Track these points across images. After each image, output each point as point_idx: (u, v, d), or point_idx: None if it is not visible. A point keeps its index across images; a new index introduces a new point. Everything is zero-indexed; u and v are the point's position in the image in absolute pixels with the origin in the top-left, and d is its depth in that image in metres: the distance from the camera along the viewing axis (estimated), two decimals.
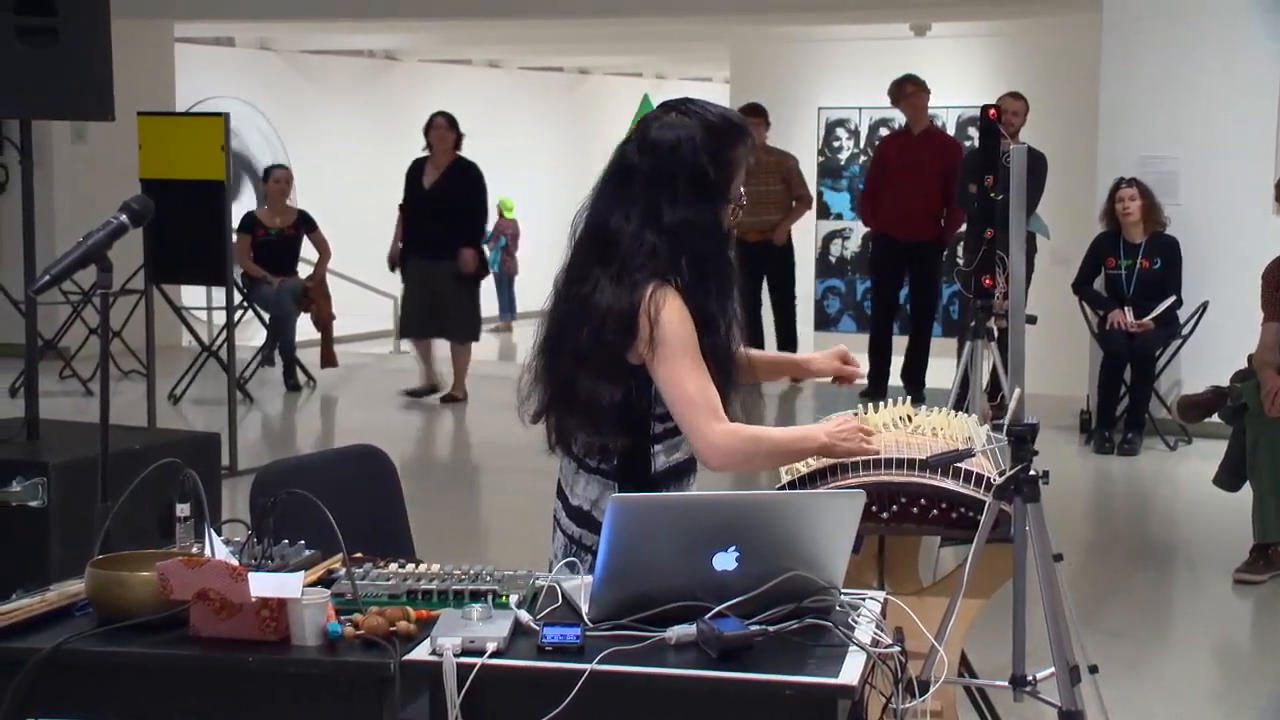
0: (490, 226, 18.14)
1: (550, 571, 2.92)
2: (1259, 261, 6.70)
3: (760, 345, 10.20)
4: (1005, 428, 3.31)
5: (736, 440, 2.97)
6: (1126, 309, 8.99)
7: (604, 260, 2.99)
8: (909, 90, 10.11)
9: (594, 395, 2.97)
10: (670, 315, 2.93)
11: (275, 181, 11.27)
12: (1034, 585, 3.38)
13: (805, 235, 13.55)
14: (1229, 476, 6.64)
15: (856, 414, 3.40)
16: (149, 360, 8.50)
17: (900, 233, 10.07)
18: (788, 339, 10.91)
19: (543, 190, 19.11)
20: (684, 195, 2.97)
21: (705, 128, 3.02)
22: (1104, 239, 9.20)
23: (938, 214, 10.07)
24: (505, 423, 10.21)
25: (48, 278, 2.94)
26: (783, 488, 3.30)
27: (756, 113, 10.41)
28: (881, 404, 3.63)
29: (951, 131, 13.25)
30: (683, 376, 2.94)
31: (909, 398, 3.70)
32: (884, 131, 12.65)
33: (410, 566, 2.81)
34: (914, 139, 10.20)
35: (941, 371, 10.09)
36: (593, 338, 2.97)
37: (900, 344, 10.40)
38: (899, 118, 10.98)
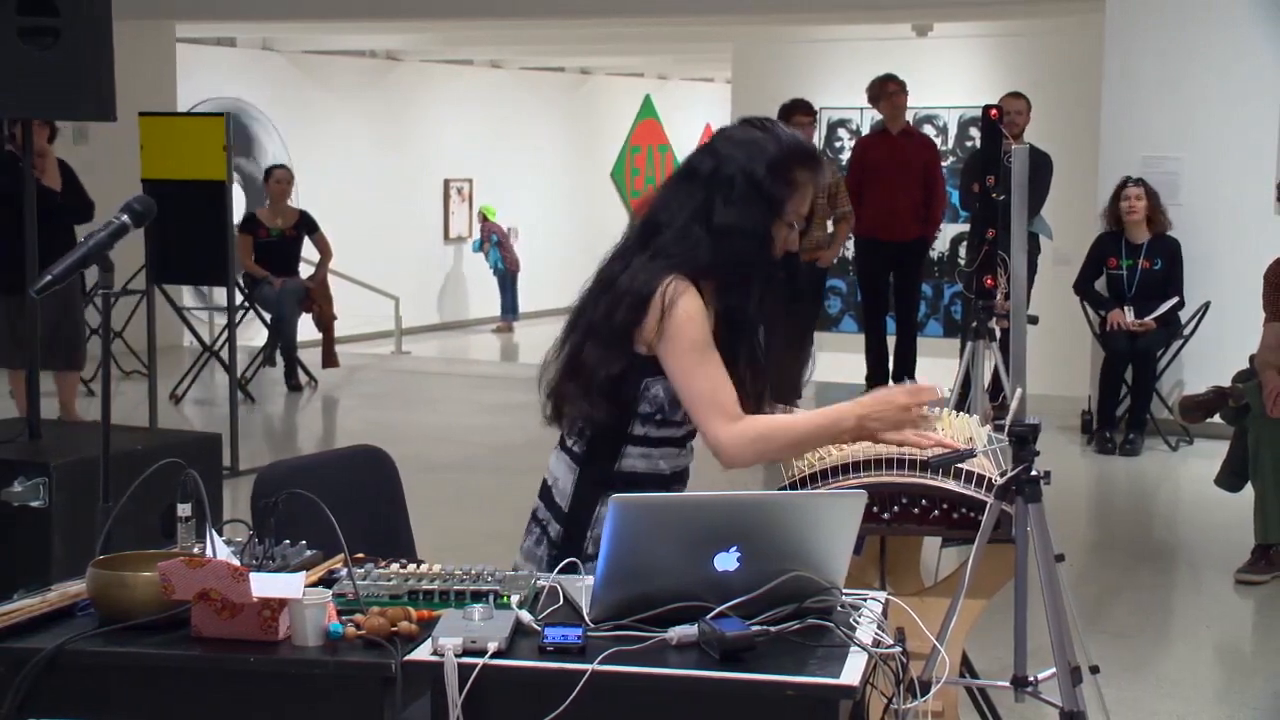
0: (478, 233, 18.29)
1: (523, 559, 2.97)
2: (1261, 262, 6.70)
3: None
4: (1007, 428, 3.31)
5: (744, 441, 2.99)
6: (1126, 309, 9.00)
7: (645, 246, 3.06)
8: (891, 89, 10.03)
9: (595, 365, 3.02)
10: (682, 310, 2.96)
11: (276, 182, 11.27)
12: (1035, 586, 3.38)
13: None
14: (1231, 477, 6.64)
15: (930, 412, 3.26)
16: (150, 360, 8.51)
17: (885, 234, 9.99)
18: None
19: (544, 191, 19.11)
20: (739, 199, 3.01)
21: (776, 142, 3.06)
22: (1105, 239, 9.21)
23: (921, 213, 10.04)
24: (507, 423, 10.21)
25: (49, 278, 2.94)
26: (784, 488, 3.30)
27: (806, 110, 9.61)
28: None
29: (953, 132, 13.26)
30: (692, 373, 2.97)
31: None
32: None
33: (412, 567, 2.81)
34: (893, 139, 10.13)
35: (943, 372, 10.09)
36: (606, 311, 3.03)
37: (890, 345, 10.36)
38: None
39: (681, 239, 3.01)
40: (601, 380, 3.02)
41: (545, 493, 3.17)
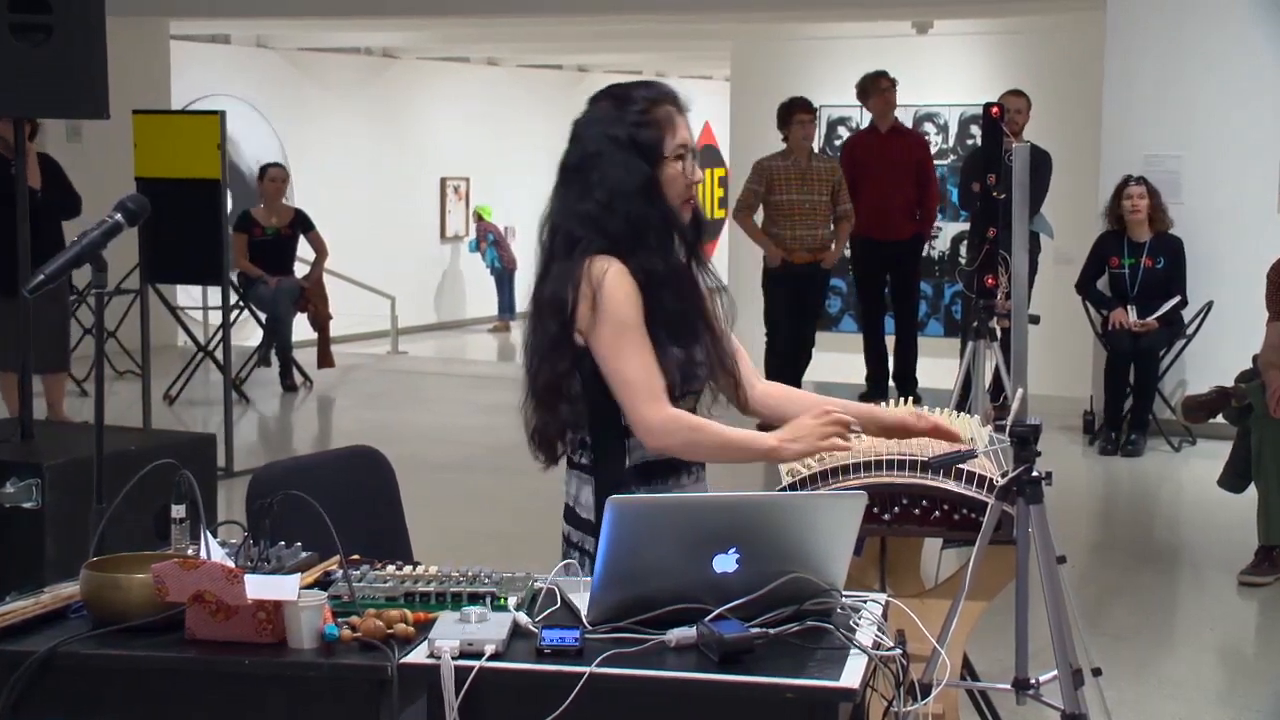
0: (474, 233, 18.28)
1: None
2: (1264, 261, 6.68)
3: (798, 368, 9.73)
4: (1008, 429, 3.29)
5: (679, 427, 2.93)
6: (1129, 308, 8.98)
7: (555, 254, 3.01)
8: (884, 85, 9.95)
9: (555, 376, 2.96)
10: (612, 288, 2.90)
11: (271, 180, 11.24)
12: (1037, 587, 3.36)
13: None
14: (1234, 478, 6.61)
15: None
16: (144, 360, 8.47)
17: (880, 234, 9.92)
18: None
19: (542, 189, 18.99)
20: (612, 163, 2.97)
21: (623, 101, 3.02)
22: (1107, 238, 9.18)
23: (913, 211, 10.00)
24: (503, 424, 10.18)
25: (43, 277, 2.91)
26: (784, 489, 3.27)
27: (806, 109, 9.59)
28: (883, 405, 3.60)
29: (954, 130, 13.23)
30: (622, 357, 2.90)
31: (910, 398, 3.68)
32: None
33: (408, 568, 2.78)
34: (882, 137, 10.07)
35: (943, 372, 10.07)
36: (542, 323, 2.98)
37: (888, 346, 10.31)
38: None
39: (581, 223, 2.97)
40: (570, 386, 2.96)
41: (570, 515, 3.09)
